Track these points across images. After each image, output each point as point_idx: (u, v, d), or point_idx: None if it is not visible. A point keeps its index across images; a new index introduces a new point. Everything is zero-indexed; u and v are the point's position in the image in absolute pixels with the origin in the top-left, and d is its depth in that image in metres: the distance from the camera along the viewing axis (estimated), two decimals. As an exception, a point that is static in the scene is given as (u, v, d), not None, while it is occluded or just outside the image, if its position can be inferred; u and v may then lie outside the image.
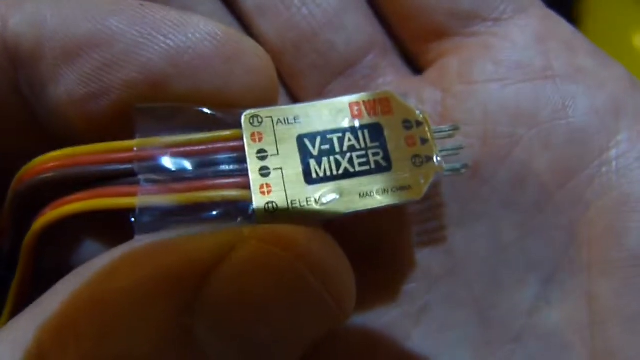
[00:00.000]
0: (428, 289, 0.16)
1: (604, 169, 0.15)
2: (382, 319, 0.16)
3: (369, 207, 0.13)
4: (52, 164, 0.12)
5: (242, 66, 0.13)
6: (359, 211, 0.13)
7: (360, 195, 0.13)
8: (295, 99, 0.17)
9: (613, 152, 0.15)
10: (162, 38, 0.12)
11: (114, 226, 0.13)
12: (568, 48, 0.16)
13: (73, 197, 0.12)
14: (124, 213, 0.12)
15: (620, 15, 0.41)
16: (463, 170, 0.14)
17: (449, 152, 0.14)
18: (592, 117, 0.15)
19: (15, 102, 0.13)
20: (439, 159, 0.13)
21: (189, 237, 0.11)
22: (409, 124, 0.14)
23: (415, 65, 0.17)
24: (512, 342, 0.15)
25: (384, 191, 0.13)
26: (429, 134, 0.14)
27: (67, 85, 0.12)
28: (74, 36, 0.12)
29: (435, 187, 0.16)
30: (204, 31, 0.12)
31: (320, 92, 0.17)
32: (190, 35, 0.12)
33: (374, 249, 0.16)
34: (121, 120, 0.13)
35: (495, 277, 0.16)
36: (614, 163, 0.15)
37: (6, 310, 0.14)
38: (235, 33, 0.13)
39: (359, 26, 0.17)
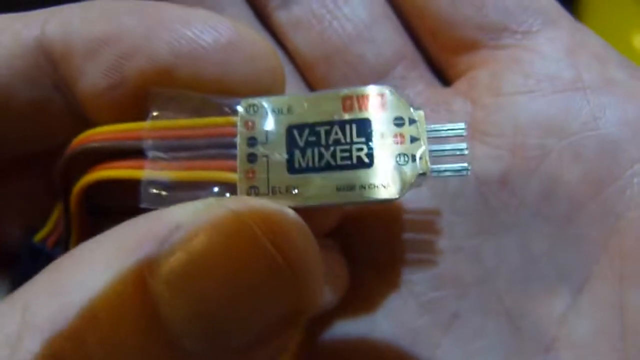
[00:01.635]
0: (458, 297, 0.16)
1: (635, 180, 0.15)
2: (411, 325, 0.16)
3: (344, 200, 0.13)
4: (80, 140, 0.14)
5: (241, 55, 0.14)
6: (334, 204, 0.13)
7: (337, 188, 0.13)
8: None
9: None
10: (166, 32, 0.14)
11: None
12: (598, 60, 0.16)
13: (94, 168, 0.14)
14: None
15: (620, 15, 0.42)
16: (465, 173, 0.14)
17: (448, 153, 0.14)
18: (623, 129, 0.15)
19: (55, 97, 0.14)
20: (426, 159, 0.13)
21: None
22: (401, 120, 0.13)
23: (445, 77, 0.18)
24: (544, 352, 0.15)
25: (361, 187, 0.13)
26: (420, 133, 0.13)
27: (91, 79, 0.14)
28: (94, 35, 0.14)
29: (460, 196, 0.16)
30: (205, 24, 0.14)
31: None
32: (192, 28, 0.14)
33: (404, 256, 0.17)
34: (138, 104, 0.14)
35: (525, 286, 0.16)
36: None
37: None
38: (236, 25, 0.14)
39: (388, 39, 0.17)
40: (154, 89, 0.14)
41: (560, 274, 0.16)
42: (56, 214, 0.15)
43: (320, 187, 0.13)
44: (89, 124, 0.14)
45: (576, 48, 0.16)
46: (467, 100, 0.16)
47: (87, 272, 0.11)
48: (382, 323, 0.16)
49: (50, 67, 0.14)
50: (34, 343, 0.10)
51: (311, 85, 0.18)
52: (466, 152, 0.14)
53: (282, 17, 0.17)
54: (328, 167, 0.13)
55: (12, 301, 0.11)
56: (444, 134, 0.14)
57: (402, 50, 0.17)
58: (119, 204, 0.14)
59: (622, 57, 0.16)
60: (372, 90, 0.14)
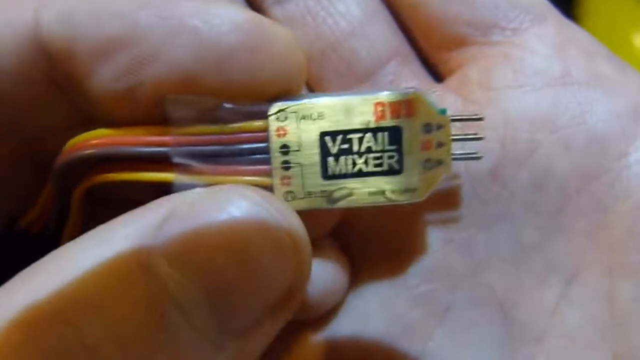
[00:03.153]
0: (451, 289, 0.16)
1: (623, 174, 0.15)
2: (405, 318, 0.17)
3: (375, 203, 0.14)
4: (94, 142, 0.14)
5: (269, 55, 0.13)
6: (364, 206, 0.14)
7: (369, 193, 0.14)
8: None
9: (632, 157, 0.15)
10: (188, 34, 0.12)
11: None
12: (586, 55, 0.16)
13: (118, 166, 0.14)
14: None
15: (620, 15, 0.42)
16: (477, 157, 0.15)
17: (465, 156, 0.15)
18: (612, 122, 0.16)
19: (53, 93, 0.13)
20: (449, 161, 0.14)
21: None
22: (430, 127, 0.14)
23: (437, 73, 0.18)
24: (536, 342, 0.16)
25: (392, 192, 0.14)
26: (446, 138, 0.14)
27: (101, 81, 0.13)
28: (105, 34, 0.13)
29: (455, 189, 0.16)
30: (229, 22, 0.13)
31: None
32: (216, 29, 0.13)
33: (397, 249, 0.17)
34: (155, 109, 0.13)
35: (517, 277, 0.16)
36: (633, 167, 0.15)
37: None
38: (260, 20, 0.13)
39: (381, 35, 0.17)
40: (171, 95, 0.13)
41: (550, 265, 0.16)
42: (44, 198, 0.15)
43: (353, 191, 0.14)
44: (92, 121, 0.14)
45: (564, 44, 0.16)
46: (458, 95, 0.17)
47: (89, 259, 0.11)
48: (376, 316, 0.17)
49: (47, 63, 0.13)
50: (18, 336, 0.10)
51: (306, 80, 0.18)
52: (483, 138, 0.15)
53: (277, 13, 0.17)
54: (360, 174, 0.14)
55: (6, 292, 0.11)
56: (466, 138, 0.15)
57: (396, 47, 0.17)
58: (118, 195, 0.14)
59: (610, 52, 0.17)
60: (404, 97, 0.14)
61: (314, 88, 0.18)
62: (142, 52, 0.13)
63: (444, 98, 0.17)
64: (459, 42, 0.17)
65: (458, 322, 0.16)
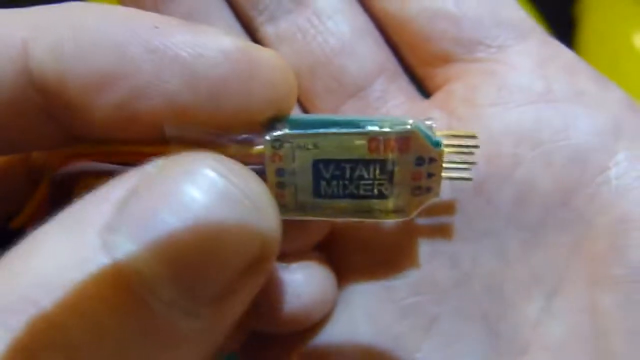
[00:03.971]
0: (437, 302, 0.17)
1: (604, 188, 0.16)
2: (392, 330, 0.17)
3: (362, 219, 0.15)
4: (92, 154, 0.14)
5: (260, 82, 0.13)
6: (352, 221, 0.15)
7: (356, 210, 0.15)
8: None
9: (613, 172, 0.16)
10: (179, 67, 0.12)
11: None
12: (568, 72, 0.17)
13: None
14: None
15: (620, 15, 0.42)
16: (470, 179, 0.16)
17: (456, 176, 0.16)
18: (593, 138, 0.16)
19: (46, 122, 0.14)
20: (439, 187, 0.15)
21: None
22: (422, 161, 0.15)
23: (424, 88, 0.18)
24: (520, 354, 0.16)
25: (380, 212, 0.15)
26: (438, 170, 0.15)
27: (95, 112, 0.13)
28: (96, 69, 0.13)
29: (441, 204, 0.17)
30: (219, 52, 0.13)
31: (334, 112, 0.18)
32: (206, 60, 0.13)
33: (384, 261, 0.17)
34: (154, 132, 0.13)
35: (501, 291, 0.16)
36: (613, 182, 0.16)
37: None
38: (249, 47, 0.13)
39: (370, 52, 0.18)
40: (168, 126, 0.13)
41: (534, 278, 0.16)
42: (36, 201, 0.15)
43: (342, 207, 0.15)
44: (83, 139, 0.14)
45: (547, 61, 0.17)
46: (443, 111, 0.17)
47: (52, 250, 0.11)
48: (363, 328, 0.17)
49: (39, 94, 0.13)
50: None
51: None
52: (476, 163, 0.16)
53: (269, 30, 0.18)
54: (351, 196, 0.15)
55: None
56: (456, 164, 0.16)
57: (383, 64, 0.18)
58: None
59: (591, 69, 0.17)
60: (398, 134, 0.14)
61: (304, 103, 0.18)
62: (135, 85, 0.13)
63: (430, 113, 0.17)
64: (445, 59, 0.17)
65: (444, 335, 0.17)
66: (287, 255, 0.17)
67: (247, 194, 0.11)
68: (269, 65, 0.13)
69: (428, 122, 0.15)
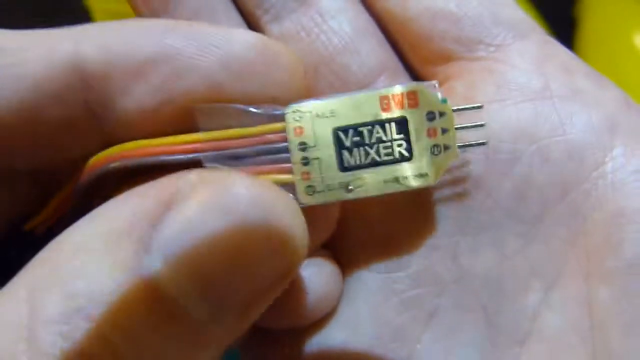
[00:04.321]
0: (437, 294, 0.17)
1: (600, 183, 0.16)
2: (393, 323, 0.17)
3: (391, 191, 0.15)
4: (121, 153, 0.15)
5: (280, 66, 0.15)
6: (382, 194, 0.15)
7: (384, 181, 0.15)
8: None
9: (609, 167, 0.16)
10: (215, 49, 0.14)
11: None
12: (565, 70, 0.17)
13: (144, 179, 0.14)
14: None
15: (620, 15, 0.42)
16: (485, 142, 0.16)
17: (471, 143, 0.16)
18: (589, 134, 0.16)
19: (84, 116, 0.15)
20: (455, 146, 0.16)
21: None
22: (433, 115, 0.16)
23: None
24: (518, 345, 0.17)
25: (404, 178, 0.15)
26: (450, 125, 0.16)
27: (135, 98, 0.15)
28: (140, 56, 0.14)
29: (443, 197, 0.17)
30: (246, 41, 0.15)
31: None
32: (237, 45, 0.15)
33: (385, 253, 0.18)
34: (182, 120, 0.15)
35: (500, 284, 0.17)
36: (609, 177, 0.16)
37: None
38: (269, 40, 0.16)
39: (372, 51, 0.18)
40: (199, 104, 0.15)
41: (532, 271, 0.17)
42: (54, 204, 0.16)
43: (369, 181, 0.15)
44: (112, 139, 0.15)
45: (545, 60, 0.17)
46: None
47: (87, 259, 0.11)
48: (365, 322, 0.18)
49: (83, 86, 0.14)
50: (51, 337, 0.10)
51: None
52: (484, 124, 0.16)
53: (274, 29, 0.18)
54: (374, 163, 0.15)
55: (14, 288, 0.11)
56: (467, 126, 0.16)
57: (385, 62, 0.18)
58: None
59: (588, 67, 0.17)
60: (404, 89, 0.15)
61: None
62: (175, 68, 0.14)
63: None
64: (446, 58, 0.18)
65: (444, 327, 0.17)
66: None
67: (276, 210, 0.12)
68: (286, 53, 0.15)
69: (431, 82, 0.16)
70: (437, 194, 0.17)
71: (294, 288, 0.17)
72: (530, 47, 0.17)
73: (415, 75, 0.19)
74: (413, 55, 0.18)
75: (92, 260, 0.11)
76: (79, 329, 0.11)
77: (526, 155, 0.17)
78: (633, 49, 0.40)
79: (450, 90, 0.18)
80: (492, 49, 0.17)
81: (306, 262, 0.17)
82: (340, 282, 0.18)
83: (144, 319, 0.11)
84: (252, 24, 0.19)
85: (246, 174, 0.12)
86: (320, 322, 0.18)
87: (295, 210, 0.12)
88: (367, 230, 0.18)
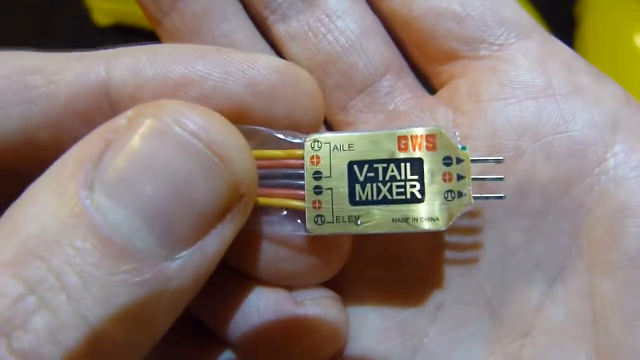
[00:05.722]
0: (442, 288, 0.18)
1: (602, 178, 0.17)
2: (400, 317, 0.18)
3: (398, 230, 0.15)
4: None
5: (302, 91, 0.16)
6: (389, 233, 0.15)
7: (393, 220, 0.15)
8: None
9: (610, 163, 0.17)
10: (242, 74, 0.15)
11: None
12: (567, 68, 0.17)
13: None
14: None
15: (620, 15, 0.42)
16: (503, 198, 0.16)
17: (487, 195, 0.16)
18: (591, 131, 0.17)
19: None
20: (470, 194, 0.15)
21: None
22: (450, 160, 0.16)
23: (430, 85, 0.19)
24: (522, 337, 0.17)
25: (414, 220, 0.15)
26: (466, 172, 0.15)
27: None
28: (170, 79, 0.15)
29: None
30: (270, 66, 0.16)
31: (344, 108, 0.19)
32: (262, 70, 0.15)
33: (390, 252, 0.18)
34: None
35: (504, 277, 0.17)
36: (611, 172, 0.16)
37: None
38: (292, 65, 0.16)
39: (378, 50, 0.18)
40: None
41: (535, 265, 0.17)
42: None
43: (378, 218, 0.15)
44: None
45: (547, 58, 0.17)
46: (449, 107, 0.18)
47: (39, 207, 0.12)
48: (373, 318, 0.18)
49: (111, 108, 0.15)
50: (4, 278, 0.11)
51: None
52: (503, 178, 0.16)
53: (281, 30, 0.19)
54: (385, 201, 0.15)
55: None
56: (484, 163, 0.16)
57: (391, 61, 0.19)
58: None
59: (589, 65, 0.18)
60: (424, 132, 0.15)
61: None
62: (203, 90, 0.15)
63: (435, 109, 0.18)
64: (450, 57, 0.18)
65: (449, 320, 0.18)
66: (303, 289, 0.17)
67: (211, 145, 0.13)
68: (308, 78, 0.16)
69: (452, 130, 0.16)
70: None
71: (300, 328, 0.17)
72: (533, 46, 0.18)
73: (420, 73, 0.19)
74: (418, 54, 0.19)
75: (43, 206, 0.12)
76: (32, 268, 0.11)
77: (529, 152, 0.17)
78: (633, 49, 0.40)
79: (454, 88, 0.18)
80: (495, 47, 0.18)
81: (312, 302, 0.17)
82: (347, 322, 0.18)
83: (94, 257, 0.11)
84: (259, 24, 0.19)
85: (188, 104, 0.13)
86: None
87: (234, 133, 0.13)
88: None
